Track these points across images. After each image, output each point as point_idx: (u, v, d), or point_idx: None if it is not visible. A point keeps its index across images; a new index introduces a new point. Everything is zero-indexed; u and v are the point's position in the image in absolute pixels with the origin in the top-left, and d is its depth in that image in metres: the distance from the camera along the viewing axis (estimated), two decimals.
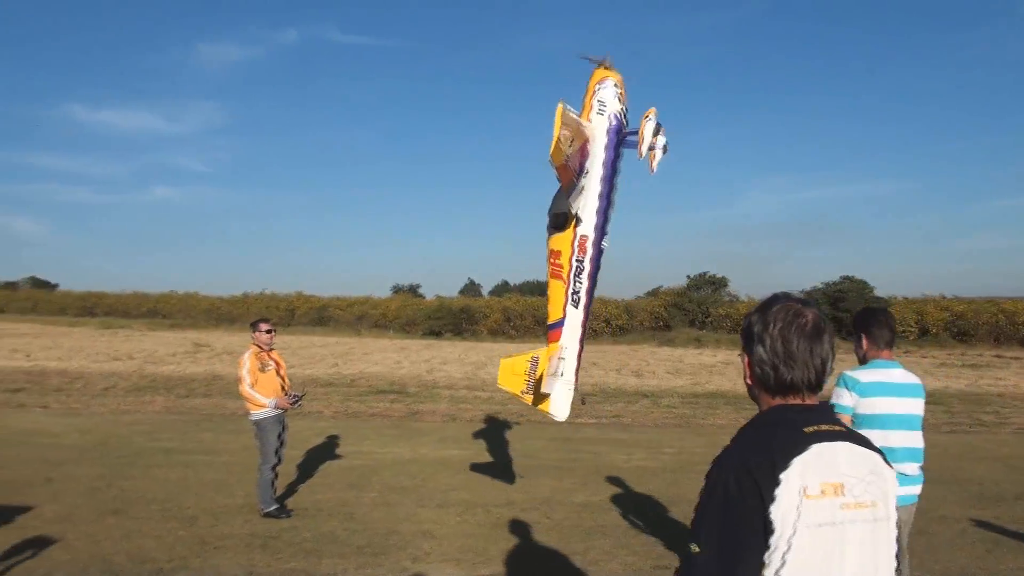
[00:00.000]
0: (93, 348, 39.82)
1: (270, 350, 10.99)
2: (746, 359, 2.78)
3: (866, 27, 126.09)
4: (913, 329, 50.54)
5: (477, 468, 14.12)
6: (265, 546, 9.29)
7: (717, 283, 60.48)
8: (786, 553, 2.35)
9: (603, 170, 8.36)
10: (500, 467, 14.21)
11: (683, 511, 11.02)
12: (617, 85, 8.48)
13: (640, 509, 11.18)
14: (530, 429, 18.38)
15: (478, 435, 17.26)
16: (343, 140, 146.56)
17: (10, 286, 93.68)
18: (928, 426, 18.46)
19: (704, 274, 61.05)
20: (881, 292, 53.04)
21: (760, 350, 2.69)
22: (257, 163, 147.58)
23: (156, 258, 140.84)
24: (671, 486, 12.54)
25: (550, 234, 8.63)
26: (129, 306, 78.42)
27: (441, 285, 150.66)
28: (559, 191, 8.39)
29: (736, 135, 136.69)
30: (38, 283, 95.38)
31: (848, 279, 52.94)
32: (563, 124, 6.83)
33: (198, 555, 8.93)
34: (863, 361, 6.34)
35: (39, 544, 9.11)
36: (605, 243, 8.51)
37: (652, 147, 8.38)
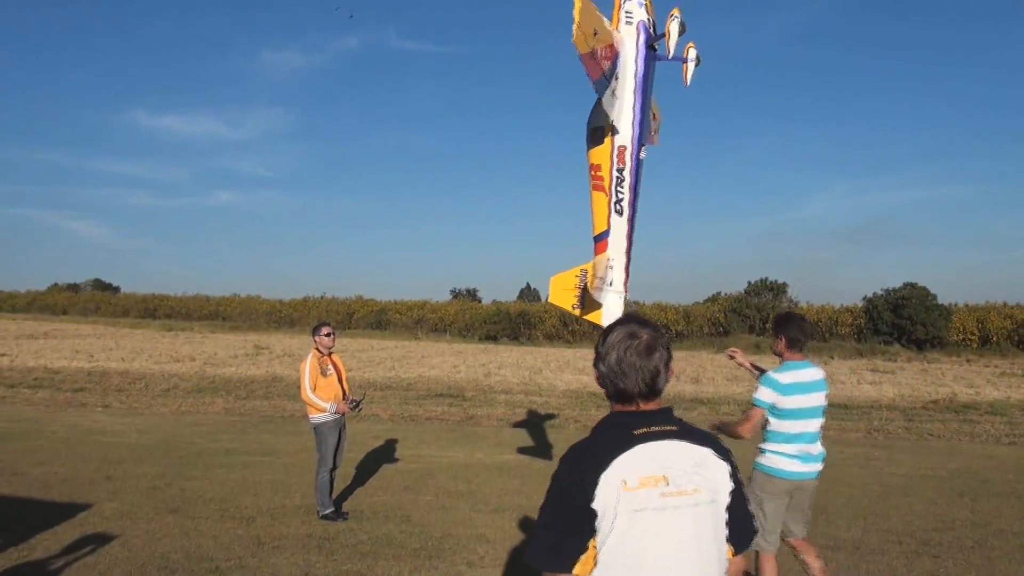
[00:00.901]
0: (154, 349, 40.28)
1: (331, 354, 11.03)
2: (596, 373, 3.23)
3: (928, 29, 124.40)
4: (975, 337, 49.70)
5: (523, 451, 15.07)
6: (321, 547, 9.31)
7: (777, 289, 59.88)
8: (609, 533, 2.85)
9: (635, 79, 8.50)
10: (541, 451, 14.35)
11: None
12: None
13: None
14: (587, 434, 18.29)
15: (534, 440, 17.20)
16: (403, 145, 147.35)
17: (73, 288, 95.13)
18: (989, 438, 18.27)
19: (764, 279, 60.52)
20: (943, 299, 52.14)
21: (602, 366, 3.17)
22: (318, 168, 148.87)
23: (218, 261, 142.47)
24: None
25: (589, 148, 8.75)
26: (191, 308, 79.39)
27: (499, 290, 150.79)
28: (595, 107, 8.54)
29: (798, 139, 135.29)
30: (101, 285, 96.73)
31: (910, 285, 52.14)
32: (584, 11, 7.18)
33: (255, 555, 8.97)
34: (778, 355, 7.38)
35: (99, 540, 9.21)
36: (643, 153, 8.62)
37: (685, 60, 8.70)
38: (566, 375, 30.89)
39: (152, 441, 16.23)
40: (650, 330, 3.15)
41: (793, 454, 7.15)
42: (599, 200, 8.70)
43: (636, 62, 8.54)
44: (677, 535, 2.91)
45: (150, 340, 48.41)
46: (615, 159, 8.53)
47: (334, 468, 10.73)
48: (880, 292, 53.56)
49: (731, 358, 8.29)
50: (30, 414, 20.18)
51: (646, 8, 8.66)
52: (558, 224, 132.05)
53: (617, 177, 8.54)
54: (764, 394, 7.12)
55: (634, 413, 3.12)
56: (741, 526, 3.14)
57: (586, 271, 8.85)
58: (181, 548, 9.09)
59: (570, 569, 2.90)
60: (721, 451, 3.11)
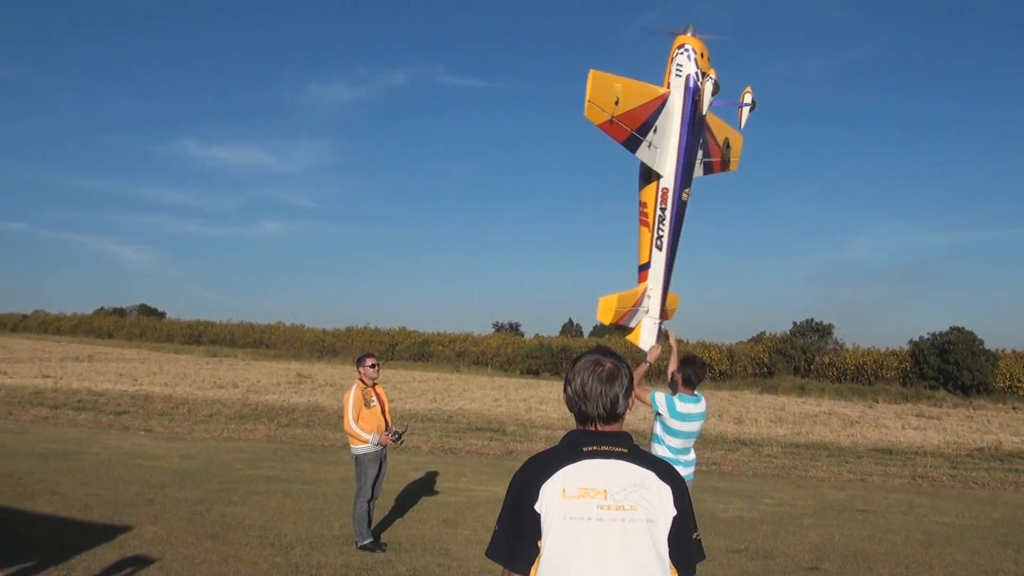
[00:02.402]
0: (198, 375, 40.60)
1: (375, 385, 11.02)
2: (564, 396, 3.54)
3: (976, 69, 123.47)
4: (1022, 384, 49.01)
5: None
6: None
7: (823, 330, 59.42)
8: (548, 535, 3.18)
9: (680, 128, 9.14)
10: None
11: (781, 565, 10.73)
12: (694, 50, 9.23)
13: (736, 561, 10.89)
14: None
15: None
16: (449, 178, 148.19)
17: (119, 312, 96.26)
18: None
19: (809, 320, 60.07)
20: (990, 344, 51.52)
21: (569, 390, 3.48)
22: (364, 200, 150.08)
23: (263, 289, 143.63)
24: (769, 538, 12.18)
25: (640, 187, 9.47)
26: (235, 335, 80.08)
27: (541, 324, 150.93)
28: None
29: (847, 179, 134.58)
30: (146, 311, 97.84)
31: (957, 330, 51.63)
32: (596, 87, 8.01)
33: None
34: (672, 387, 9.09)
35: (138, 563, 9.22)
36: (685, 195, 9.26)
37: (741, 104, 9.43)
38: None
39: (193, 466, 16.29)
40: (614, 360, 3.50)
41: (673, 461, 8.41)
42: (644, 234, 9.41)
43: (683, 112, 9.14)
44: (609, 546, 3.18)
45: (194, 366, 48.86)
46: (659, 199, 9.21)
47: (372, 499, 10.69)
48: (927, 336, 53.16)
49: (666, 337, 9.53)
50: (73, 435, 20.35)
51: (696, 62, 9.22)
52: (602, 259, 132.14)
53: (659, 216, 9.23)
54: (658, 403, 8.79)
55: (590, 432, 3.44)
56: (684, 550, 3.33)
57: (629, 296, 9.32)
58: (220, 574, 9.09)
59: (527, 571, 3.23)
60: (667, 477, 3.37)
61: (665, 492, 3.32)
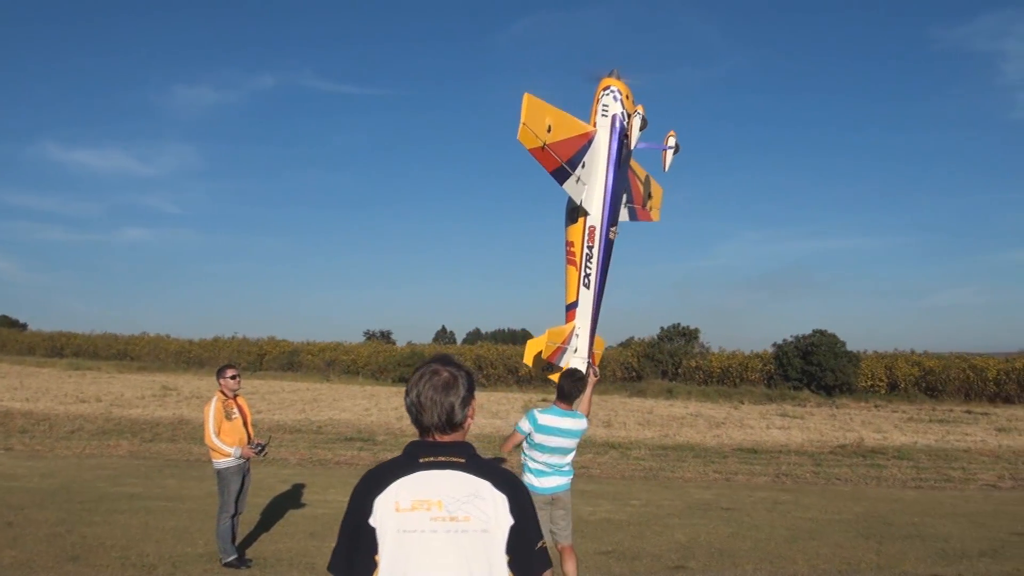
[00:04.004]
0: (60, 389, 39.46)
1: (236, 396, 10.94)
2: (405, 405, 3.55)
3: (848, 86, 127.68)
4: (883, 384, 50.72)
5: None
6: None
7: (689, 335, 60.48)
8: (384, 549, 3.20)
9: (607, 167, 9.36)
10: None
11: (647, 566, 10.99)
12: (619, 91, 9.57)
13: (603, 563, 11.14)
14: None
15: None
16: (317, 185, 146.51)
17: None
18: (895, 482, 18.62)
19: (676, 325, 61.09)
20: (852, 346, 53.03)
21: (407, 400, 3.51)
22: (230, 206, 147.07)
23: (127, 299, 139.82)
24: (636, 539, 12.49)
25: (567, 225, 9.60)
26: (98, 347, 77.65)
27: (413, 332, 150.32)
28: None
29: (713, 188, 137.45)
30: (6, 322, 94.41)
31: (819, 332, 53.04)
32: (530, 111, 8.06)
33: None
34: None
35: None
36: (612, 233, 9.43)
37: (665, 147, 9.80)
38: (478, 419, 30.89)
39: (54, 485, 15.91)
40: (452, 369, 3.52)
41: (541, 472, 8.60)
42: (571, 273, 9.54)
43: (609, 150, 9.37)
44: (442, 558, 3.20)
45: (56, 380, 47.38)
46: (586, 237, 9.36)
47: (236, 513, 10.63)
48: (790, 339, 54.40)
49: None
50: None
51: (621, 102, 9.53)
52: (475, 267, 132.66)
53: (587, 254, 9.36)
54: (523, 424, 8.59)
55: (427, 443, 3.46)
56: (524, 559, 3.34)
57: (556, 333, 9.51)
58: None
59: None
60: (504, 486, 3.37)
61: (501, 501, 3.31)
